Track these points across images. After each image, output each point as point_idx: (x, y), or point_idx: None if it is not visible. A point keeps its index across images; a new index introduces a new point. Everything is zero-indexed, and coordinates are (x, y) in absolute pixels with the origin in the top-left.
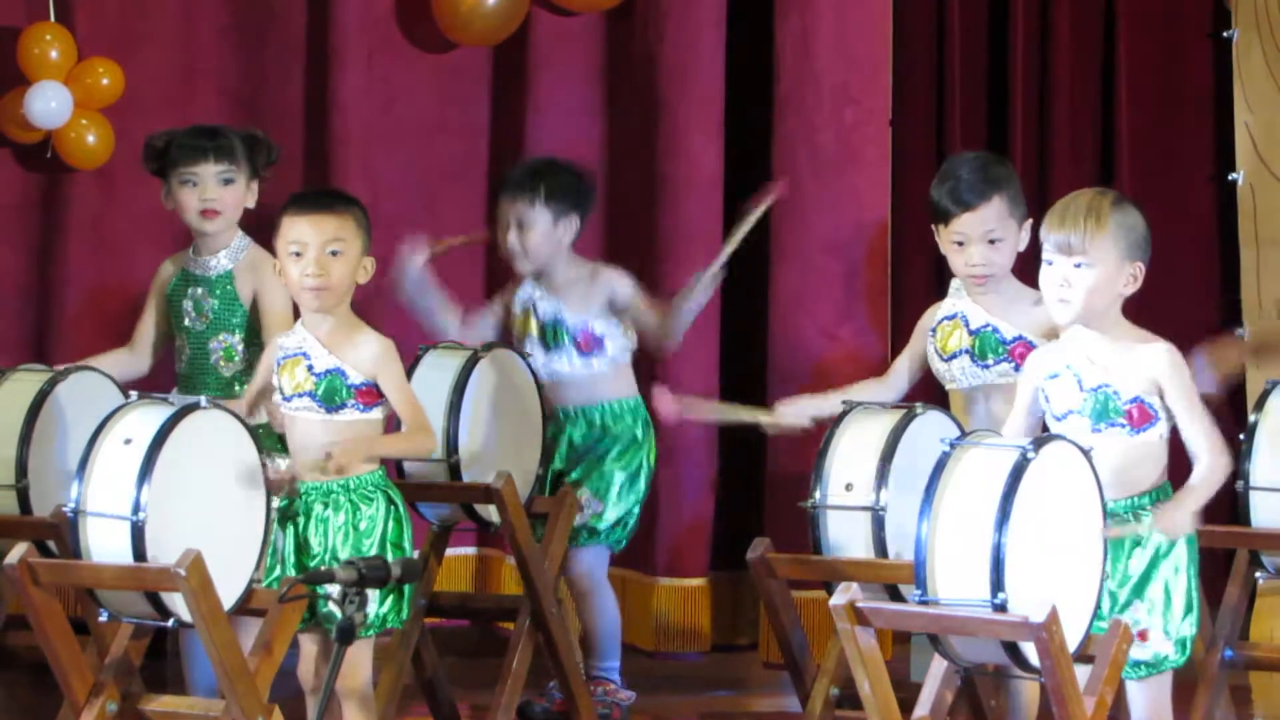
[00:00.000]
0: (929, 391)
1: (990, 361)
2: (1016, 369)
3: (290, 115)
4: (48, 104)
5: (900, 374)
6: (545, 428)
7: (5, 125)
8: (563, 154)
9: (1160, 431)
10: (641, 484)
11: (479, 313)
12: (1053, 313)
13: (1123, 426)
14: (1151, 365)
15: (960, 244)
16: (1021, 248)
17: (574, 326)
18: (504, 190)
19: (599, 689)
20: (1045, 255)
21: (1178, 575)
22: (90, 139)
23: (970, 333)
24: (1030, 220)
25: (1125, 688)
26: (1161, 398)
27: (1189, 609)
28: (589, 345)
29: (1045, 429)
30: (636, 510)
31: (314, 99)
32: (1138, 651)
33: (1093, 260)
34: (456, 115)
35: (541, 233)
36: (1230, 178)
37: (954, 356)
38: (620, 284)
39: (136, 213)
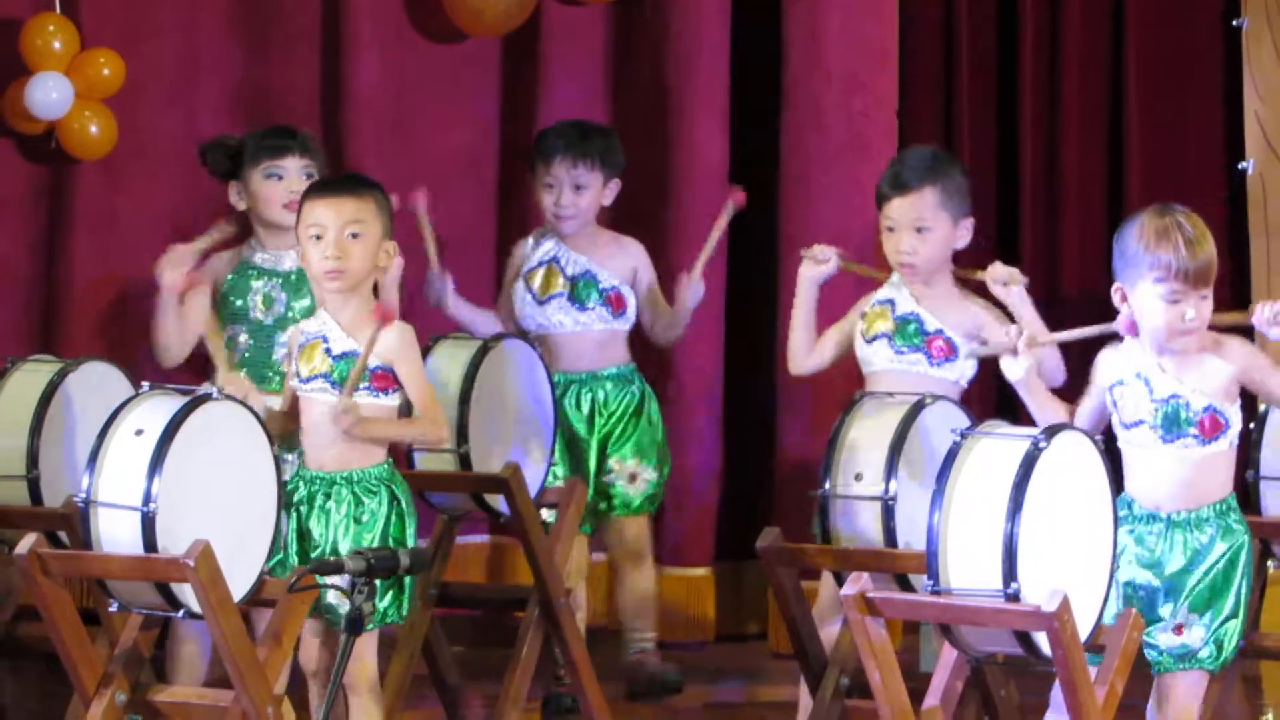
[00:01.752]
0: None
1: (904, 349)
2: (930, 362)
3: (301, 106)
4: (49, 95)
5: (822, 349)
6: (557, 417)
7: (8, 116)
8: None
9: (1230, 439)
10: (668, 454)
11: (503, 299)
12: (1171, 343)
13: (1194, 438)
14: (1229, 366)
15: (891, 229)
16: (958, 245)
17: (605, 284)
18: (557, 151)
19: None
20: (1161, 289)
21: (1226, 580)
22: (93, 129)
23: (894, 318)
24: (971, 220)
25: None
26: (1239, 395)
27: (1234, 614)
28: (618, 305)
29: (1112, 430)
30: (665, 479)
31: (325, 89)
32: (1169, 641)
33: (1208, 291)
34: (467, 105)
35: (594, 194)
36: (1240, 167)
37: (875, 339)
38: (646, 259)
39: (140, 203)
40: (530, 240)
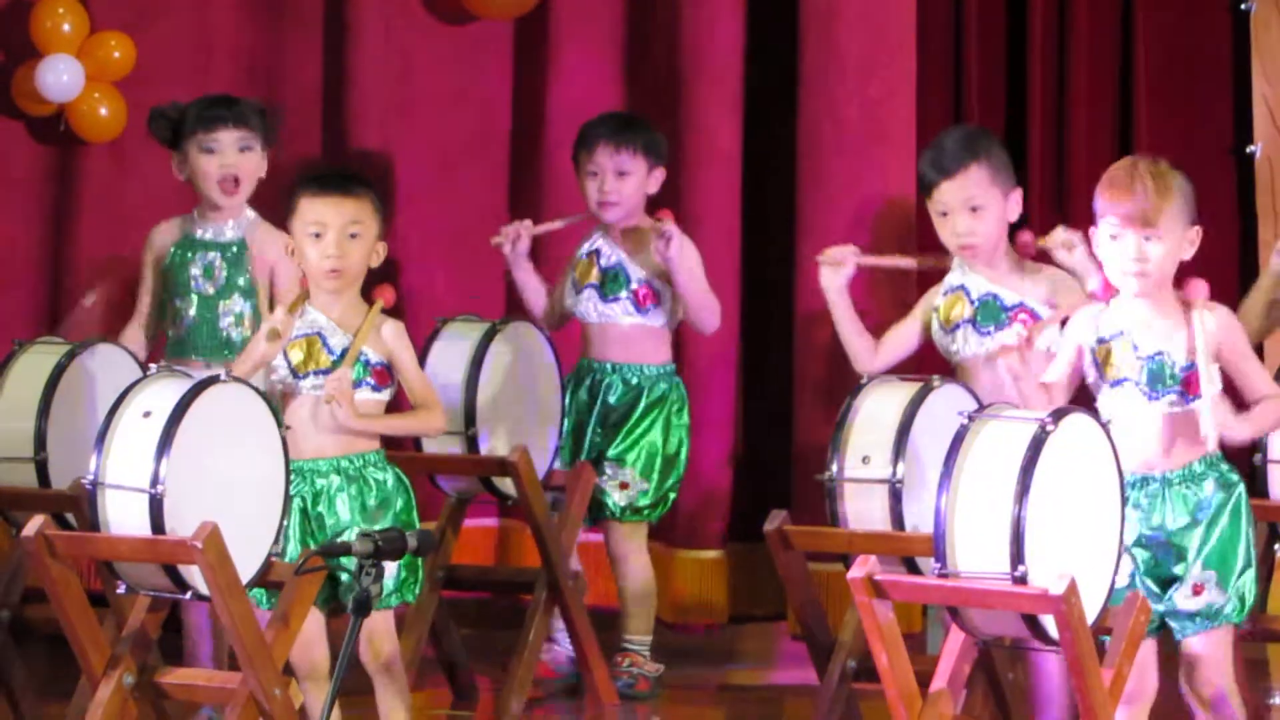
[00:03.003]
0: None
1: (991, 329)
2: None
3: (308, 88)
4: (59, 77)
5: (890, 348)
6: (563, 401)
7: (18, 98)
8: None
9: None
10: (681, 461)
11: (556, 285)
12: (1124, 286)
13: (1179, 394)
14: (1211, 330)
15: (944, 214)
16: (1011, 218)
17: (635, 278)
18: (600, 138)
19: (626, 660)
20: (1107, 229)
21: (1234, 531)
22: (103, 112)
23: (972, 302)
24: (1019, 191)
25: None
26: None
27: (1248, 564)
28: (645, 300)
29: (1085, 389)
30: (677, 486)
31: (332, 71)
32: (1189, 603)
33: (1163, 232)
34: (476, 88)
35: (638, 181)
36: (1248, 151)
37: (956, 327)
38: (691, 252)
39: (149, 186)
40: (596, 231)
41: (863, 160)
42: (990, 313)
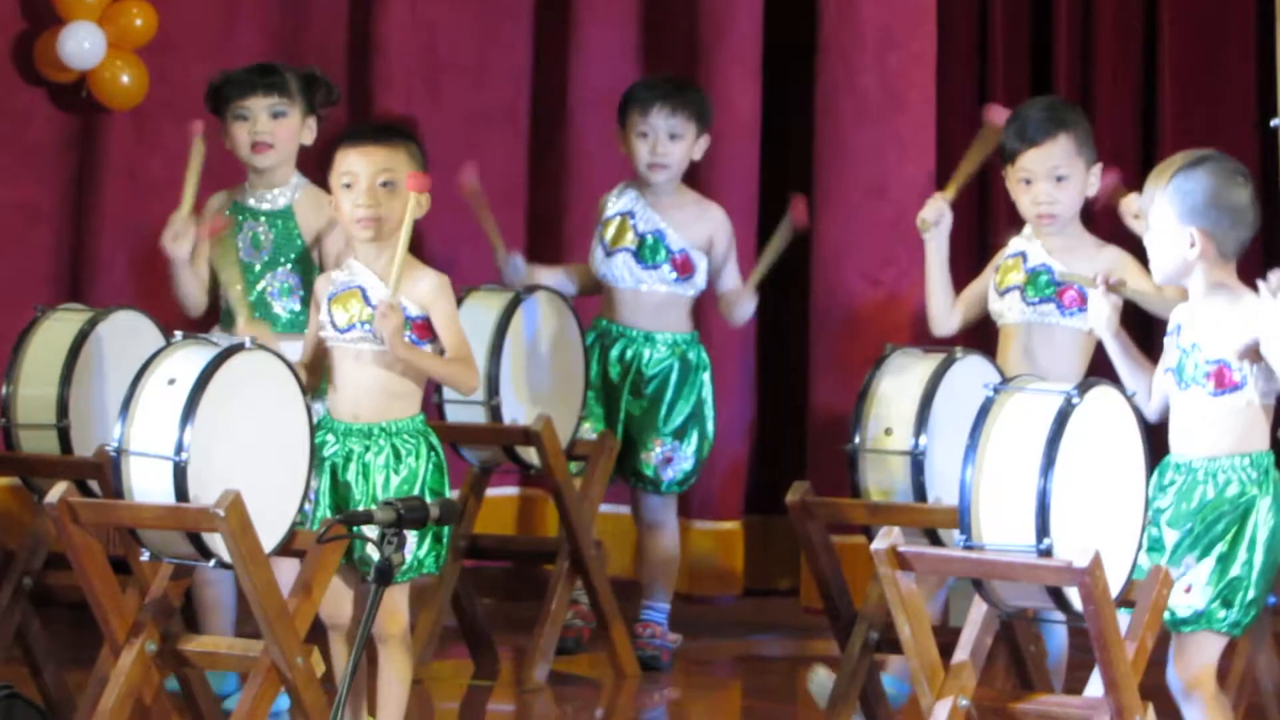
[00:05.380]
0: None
1: (1036, 300)
2: (1062, 312)
3: (332, 57)
4: (81, 44)
5: (961, 308)
6: (587, 370)
7: (41, 66)
8: (604, 97)
9: (1248, 398)
10: (710, 431)
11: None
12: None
13: (1202, 387)
14: (1244, 327)
15: (1027, 182)
16: (1090, 193)
17: (675, 246)
18: (655, 100)
19: (648, 630)
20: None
21: (1242, 535)
22: (125, 79)
23: (1026, 270)
24: (1100, 165)
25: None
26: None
27: (1245, 576)
28: (685, 270)
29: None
30: (709, 452)
31: (356, 41)
32: (1176, 600)
33: (1153, 221)
34: (499, 58)
35: (688, 145)
36: (1272, 124)
37: (1007, 291)
38: (727, 228)
39: (171, 153)
40: (614, 192)
41: (882, 131)
42: (1039, 285)
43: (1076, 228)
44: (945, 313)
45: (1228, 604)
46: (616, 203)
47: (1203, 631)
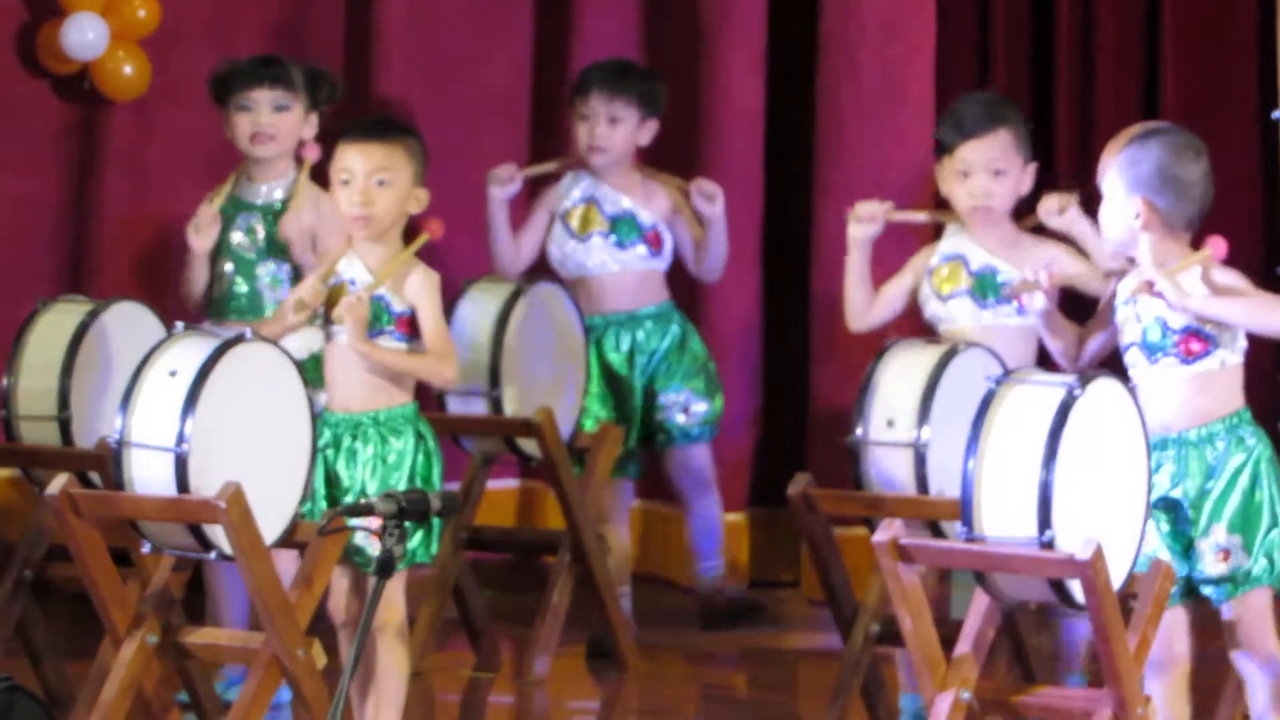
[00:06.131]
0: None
1: (990, 302)
2: (1020, 311)
3: (332, 46)
4: (84, 35)
5: (880, 306)
6: (588, 362)
7: (43, 56)
8: None
9: (1222, 359)
10: (716, 376)
11: (525, 230)
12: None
13: (1176, 358)
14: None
15: (965, 174)
16: (1023, 191)
17: (646, 222)
18: (594, 84)
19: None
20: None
21: (1256, 491)
22: (127, 70)
23: (971, 273)
24: (1034, 164)
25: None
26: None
27: (1274, 524)
28: (656, 244)
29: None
30: (720, 408)
31: (356, 29)
32: (1216, 569)
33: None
34: (499, 47)
35: (629, 130)
36: (1274, 116)
37: (952, 297)
38: (676, 198)
39: (173, 145)
40: (566, 180)
41: (882, 121)
42: (989, 285)
43: (1009, 224)
44: (863, 309)
45: (1269, 559)
46: (574, 189)
47: (1254, 591)
